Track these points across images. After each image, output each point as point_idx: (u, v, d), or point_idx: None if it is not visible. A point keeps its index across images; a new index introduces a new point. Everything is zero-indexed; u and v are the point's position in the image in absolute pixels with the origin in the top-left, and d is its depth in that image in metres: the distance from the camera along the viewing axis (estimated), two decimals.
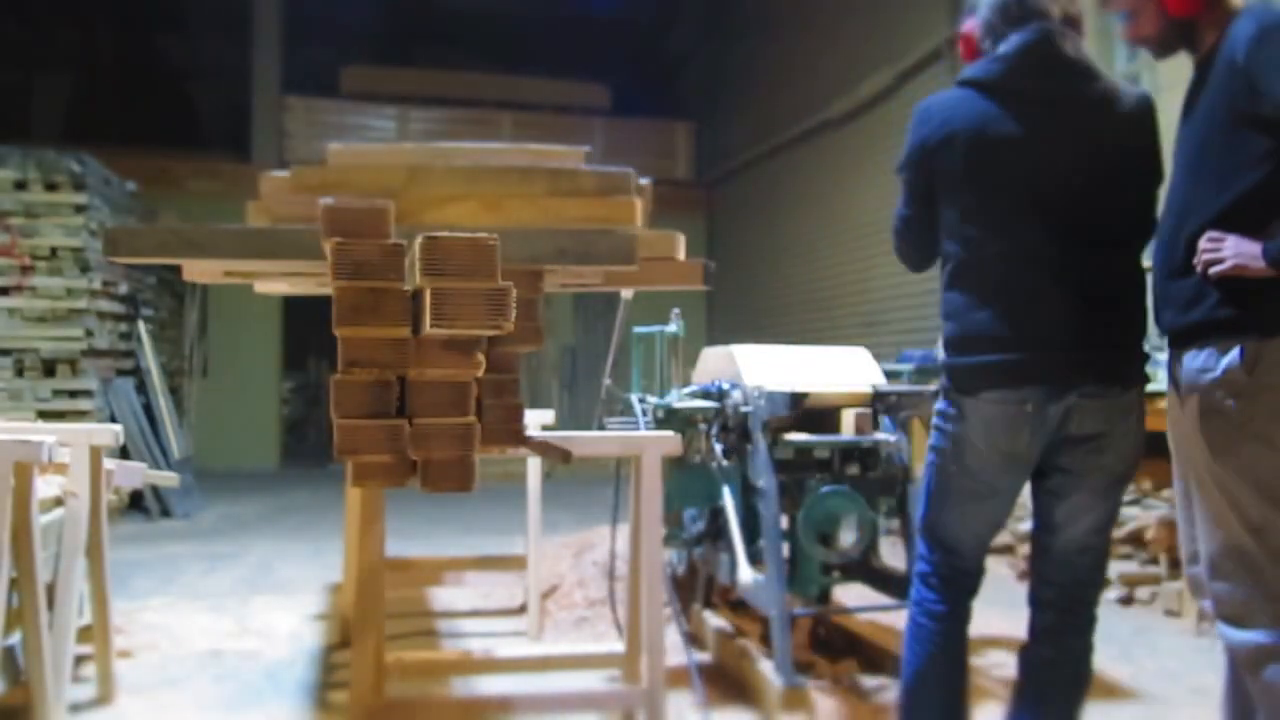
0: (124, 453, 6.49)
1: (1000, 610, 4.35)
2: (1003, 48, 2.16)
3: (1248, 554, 1.98)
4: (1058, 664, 2.26)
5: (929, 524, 2.31)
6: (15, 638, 2.77)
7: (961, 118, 2.14)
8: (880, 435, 3.38)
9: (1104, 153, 2.14)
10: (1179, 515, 2.24)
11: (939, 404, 2.26)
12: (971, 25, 2.29)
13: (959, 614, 2.28)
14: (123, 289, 7.69)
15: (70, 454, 2.89)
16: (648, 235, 2.62)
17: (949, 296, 2.22)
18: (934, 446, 2.27)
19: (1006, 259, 2.11)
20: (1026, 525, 4.84)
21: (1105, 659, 3.59)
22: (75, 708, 3.04)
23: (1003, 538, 5.22)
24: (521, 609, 4.23)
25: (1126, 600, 4.42)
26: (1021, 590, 4.86)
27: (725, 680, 3.35)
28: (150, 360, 7.98)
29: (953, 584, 2.29)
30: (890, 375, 3.64)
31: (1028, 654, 2.30)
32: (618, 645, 3.14)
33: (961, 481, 2.21)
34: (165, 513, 7.30)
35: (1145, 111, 2.20)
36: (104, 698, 3.16)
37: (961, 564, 2.30)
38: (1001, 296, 2.11)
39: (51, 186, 6.96)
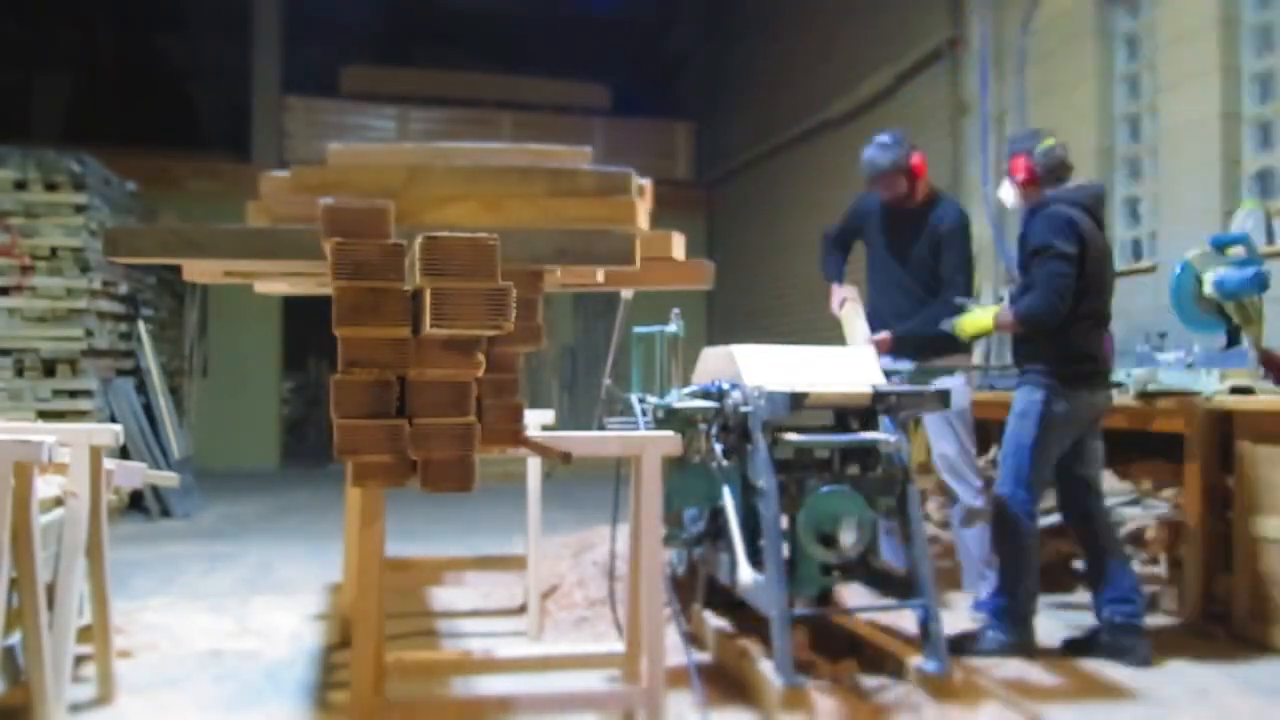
0: (124, 453, 6.49)
1: None
2: (1090, 186, 3.85)
3: None
4: (1107, 526, 3.83)
5: (1035, 467, 3.66)
6: (15, 638, 2.77)
7: (1081, 222, 3.61)
8: (880, 435, 3.38)
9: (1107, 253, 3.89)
10: None
11: (1042, 393, 3.63)
12: (1030, 163, 3.73)
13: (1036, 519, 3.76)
14: (123, 289, 7.69)
15: (70, 454, 2.89)
16: (648, 235, 2.62)
17: (1066, 333, 3.63)
18: (1038, 420, 3.63)
19: (1099, 315, 3.78)
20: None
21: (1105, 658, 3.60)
22: (75, 708, 3.03)
23: None
24: (521, 609, 4.23)
25: None
26: None
27: (725, 680, 3.35)
28: (150, 360, 7.98)
29: (1039, 498, 3.75)
30: (890, 375, 3.64)
31: (1083, 534, 3.83)
32: (618, 645, 3.14)
33: (1060, 439, 3.68)
34: (165, 513, 7.30)
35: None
36: (104, 698, 3.16)
37: (1045, 481, 3.81)
38: (1095, 335, 3.76)
39: (51, 186, 6.96)
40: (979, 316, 3.86)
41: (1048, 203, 3.64)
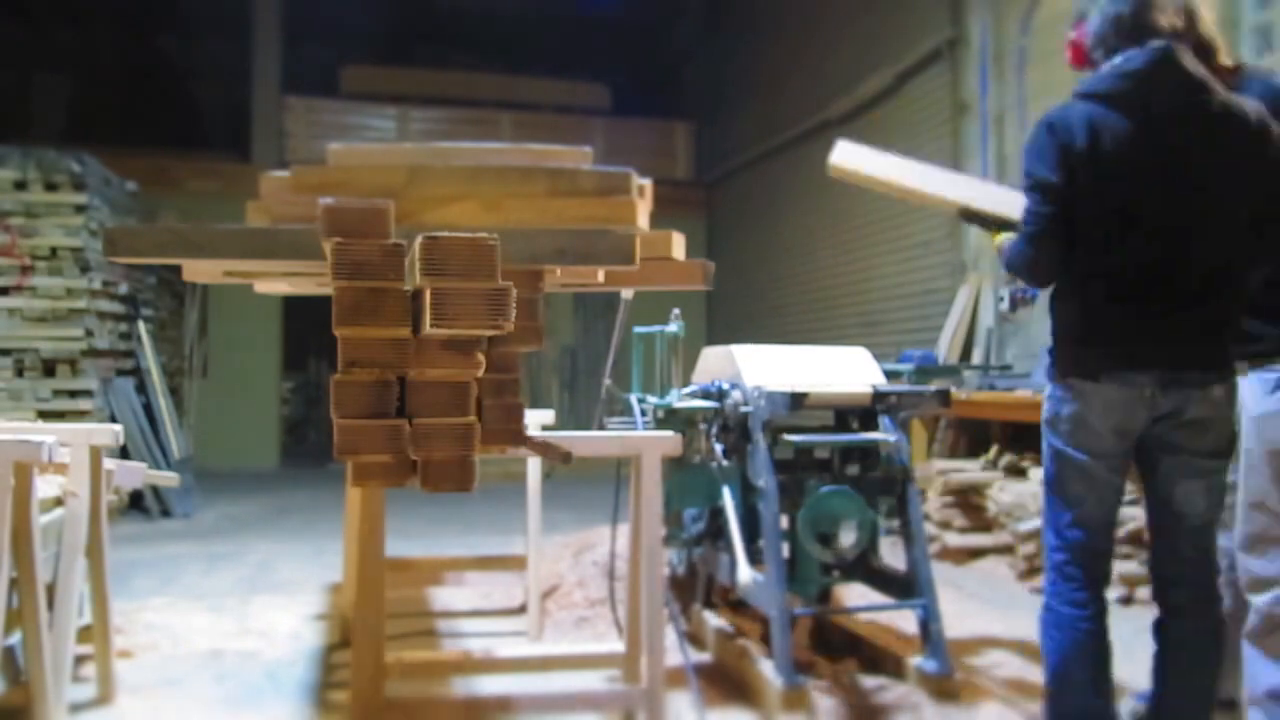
0: (124, 453, 6.49)
1: (1000, 610, 4.36)
2: (1125, 63, 2.30)
3: None
4: (1199, 634, 2.42)
5: (1056, 511, 2.46)
6: (15, 638, 2.77)
7: (1100, 127, 2.27)
8: (880, 435, 3.38)
9: (1221, 163, 2.27)
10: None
11: (1050, 390, 2.43)
12: (1080, 33, 2.43)
13: (1099, 599, 2.42)
14: (123, 289, 7.69)
15: (70, 454, 2.89)
16: (648, 235, 2.62)
17: (1082, 294, 2.37)
18: (1049, 430, 2.45)
19: (1132, 263, 2.29)
20: (1025, 526, 4.85)
21: None
22: (75, 708, 3.04)
23: (1003, 537, 5.23)
24: (521, 609, 4.23)
25: (1127, 600, 4.42)
26: (1021, 590, 4.87)
27: (725, 680, 3.35)
28: (150, 360, 7.98)
29: (1089, 569, 2.42)
30: (890, 375, 3.64)
31: (1169, 631, 2.46)
32: (618, 645, 3.14)
33: (1080, 462, 2.39)
34: (165, 513, 7.30)
35: (1264, 125, 2.31)
36: (104, 698, 3.16)
37: (1094, 545, 2.43)
38: (1128, 296, 2.30)
39: (51, 186, 6.96)
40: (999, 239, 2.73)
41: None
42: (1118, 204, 2.28)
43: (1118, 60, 2.32)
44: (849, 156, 3.27)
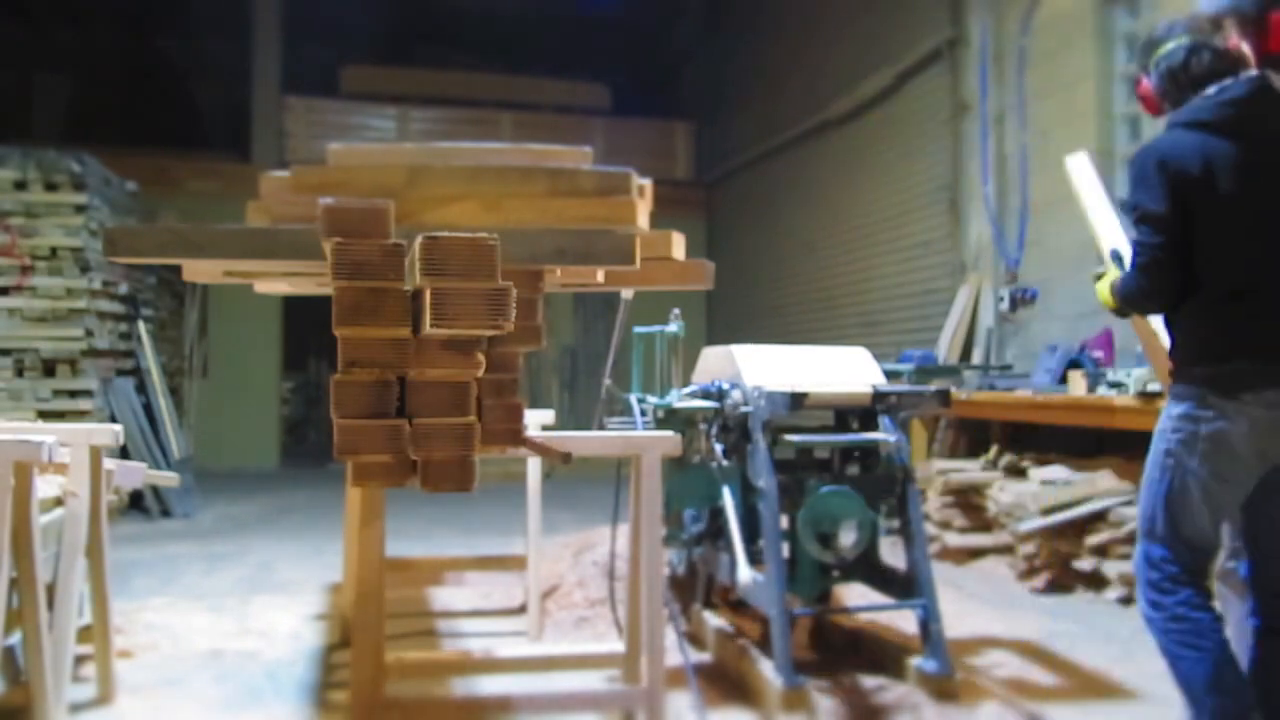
0: (124, 453, 6.49)
1: (1000, 610, 4.36)
2: (1222, 93, 2.42)
3: None
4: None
5: (1171, 526, 2.44)
6: (15, 638, 2.77)
7: (1213, 153, 2.37)
8: (880, 435, 3.38)
9: None
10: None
11: (1181, 408, 2.41)
12: (1147, 87, 2.60)
13: (1212, 604, 2.45)
14: (123, 289, 7.69)
15: (70, 454, 2.89)
16: (648, 235, 2.62)
17: (1208, 313, 2.41)
18: (1172, 451, 2.42)
19: (1265, 279, 2.35)
20: (1025, 526, 4.85)
21: (1105, 659, 3.60)
22: (75, 708, 3.03)
23: (1002, 537, 5.22)
24: (521, 609, 4.23)
25: (1126, 600, 4.42)
26: (1021, 591, 4.86)
27: (725, 680, 3.35)
28: (150, 360, 7.98)
29: (1200, 576, 2.45)
30: (890, 375, 3.63)
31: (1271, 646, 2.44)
32: (618, 645, 3.14)
33: (1210, 481, 2.37)
34: (165, 513, 7.30)
35: None
36: (104, 698, 3.16)
37: (1206, 558, 2.47)
38: (1265, 310, 2.35)
39: (51, 186, 6.96)
40: (1104, 282, 2.74)
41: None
42: (1238, 222, 2.36)
43: (1211, 91, 2.43)
44: (1080, 169, 3.32)
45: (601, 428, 3.67)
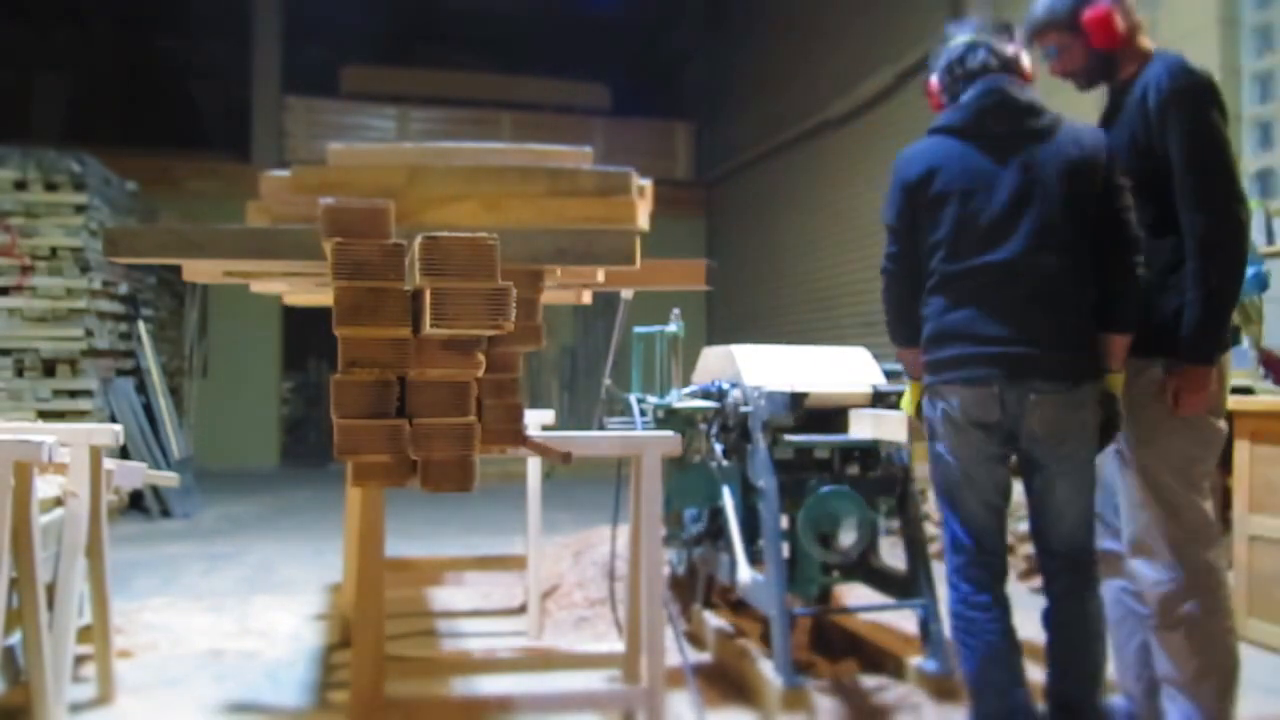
0: (124, 453, 6.50)
1: None
2: (963, 98, 2.55)
3: None
4: (1079, 619, 2.54)
5: (946, 517, 2.58)
6: (15, 638, 2.77)
7: (939, 155, 2.52)
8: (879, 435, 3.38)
9: (1053, 174, 2.45)
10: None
11: (925, 398, 2.59)
12: (933, 83, 2.69)
13: (999, 598, 2.53)
14: (123, 289, 7.69)
15: (70, 454, 2.89)
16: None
17: (930, 302, 2.55)
18: (932, 439, 2.59)
19: (975, 271, 2.46)
20: (1024, 526, 4.84)
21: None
22: (75, 708, 3.04)
23: None
24: (521, 609, 4.23)
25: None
26: (1021, 590, 4.86)
27: (725, 680, 3.35)
28: (150, 360, 7.98)
29: (985, 569, 2.53)
30: (890, 375, 3.64)
31: (1053, 616, 2.56)
32: (618, 645, 3.14)
33: (952, 462, 2.52)
34: (165, 513, 7.30)
35: (1095, 137, 2.53)
36: (104, 698, 3.16)
37: (988, 545, 2.54)
38: (970, 302, 2.46)
39: (51, 186, 6.96)
40: None
41: None
42: (944, 218, 2.49)
43: (976, 88, 2.55)
44: None
45: (601, 428, 3.67)
